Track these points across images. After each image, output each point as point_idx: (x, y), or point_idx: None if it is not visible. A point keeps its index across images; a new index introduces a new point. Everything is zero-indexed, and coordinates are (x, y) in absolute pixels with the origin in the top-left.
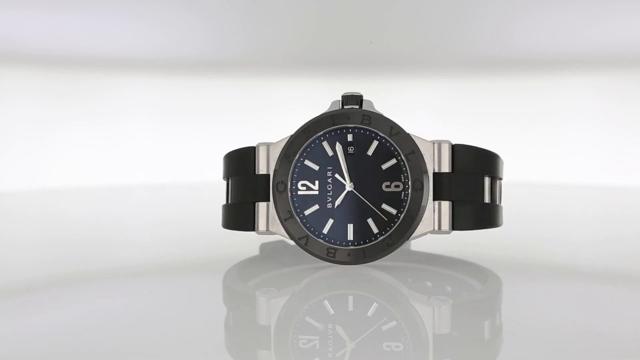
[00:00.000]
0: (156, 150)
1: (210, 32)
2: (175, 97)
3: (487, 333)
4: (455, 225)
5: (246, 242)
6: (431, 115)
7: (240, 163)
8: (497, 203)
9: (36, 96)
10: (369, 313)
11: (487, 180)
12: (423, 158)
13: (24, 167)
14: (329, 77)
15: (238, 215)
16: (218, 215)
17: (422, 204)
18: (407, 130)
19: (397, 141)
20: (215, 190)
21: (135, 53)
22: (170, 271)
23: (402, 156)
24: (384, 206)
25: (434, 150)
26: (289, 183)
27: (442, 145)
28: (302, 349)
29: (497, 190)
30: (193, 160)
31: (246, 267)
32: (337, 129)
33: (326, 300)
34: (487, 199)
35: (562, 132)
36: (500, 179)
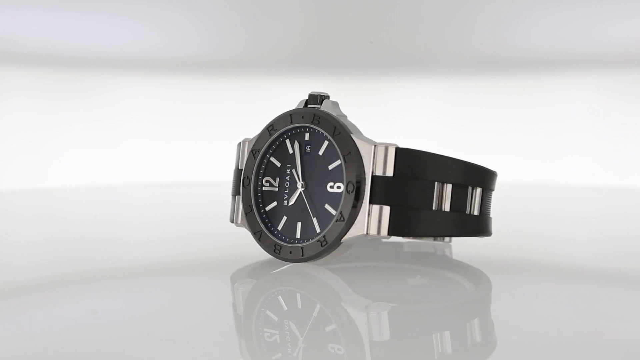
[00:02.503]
0: (156, 150)
1: (210, 32)
2: (175, 97)
3: (448, 341)
4: (392, 230)
5: (243, 243)
6: (431, 115)
7: (236, 157)
8: (468, 212)
9: (36, 96)
10: (314, 313)
11: (447, 188)
12: (361, 160)
13: (24, 167)
14: (328, 77)
15: (231, 207)
16: (217, 215)
17: (353, 207)
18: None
19: (338, 142)
20: (214, 189)
21: (135, 53)
22: (169, 271)
23: (341, 157)
24: (327, 206)
25: (374, 153)
26: (254, 178)
27: (384, 148)
28: (267, 342)
29: (471, 199)
30: (193, 160)
31: (245, 267)
32: (297, 128)
33: (280, 296)
34: (445, 207)
35: (562, 133)
36: (482, 188)
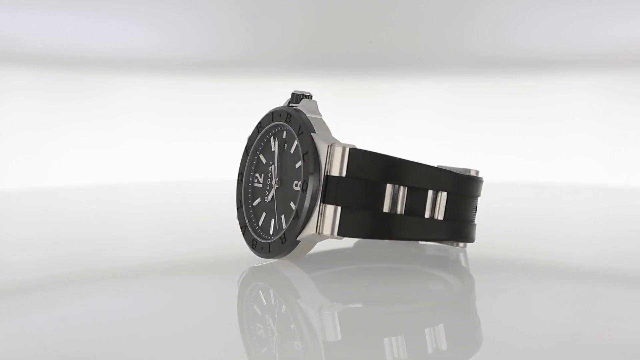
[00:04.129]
0: (156, 150)
1: (210, 32)
2: (175, 97)
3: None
4: (341, 231)
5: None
6: (431, 115)
7: None
8: (429, 216)
9: (36, 96)
10: (283, 310)
11: (402, 190)
12: (318, 159)
13: (24, 166)
14: (328, 77)
15: None
16: (217, 214)
17: (305, 206)
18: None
19: (300, 141)
20: (214, 189)
21: (135, 53)
22: (169, 271)
23: (301, 156)
24: (291, 204)
25: (328, 152)
26: (246, 174)
27: (340, 148)
28: (257, 336)
29: (432, 204)
30: (193, 160)
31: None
32: (277, 126)
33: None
34: (398, 210)
35: (562, 133)
36: (448, 192)
